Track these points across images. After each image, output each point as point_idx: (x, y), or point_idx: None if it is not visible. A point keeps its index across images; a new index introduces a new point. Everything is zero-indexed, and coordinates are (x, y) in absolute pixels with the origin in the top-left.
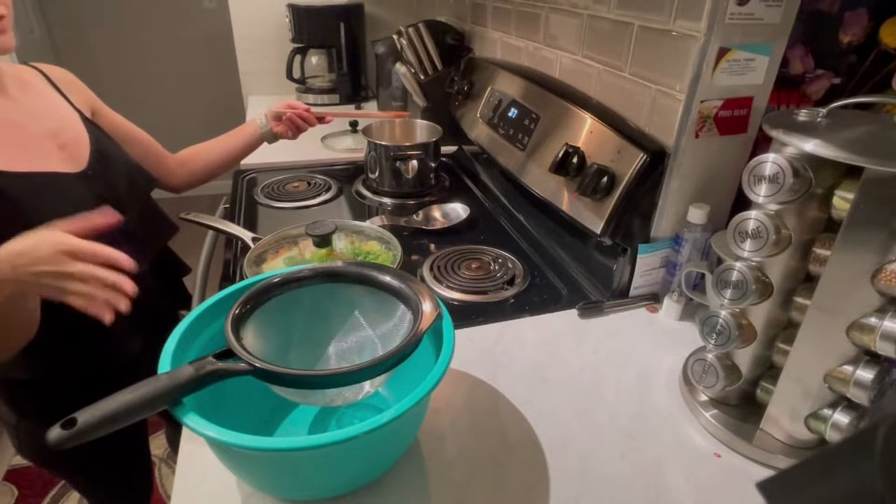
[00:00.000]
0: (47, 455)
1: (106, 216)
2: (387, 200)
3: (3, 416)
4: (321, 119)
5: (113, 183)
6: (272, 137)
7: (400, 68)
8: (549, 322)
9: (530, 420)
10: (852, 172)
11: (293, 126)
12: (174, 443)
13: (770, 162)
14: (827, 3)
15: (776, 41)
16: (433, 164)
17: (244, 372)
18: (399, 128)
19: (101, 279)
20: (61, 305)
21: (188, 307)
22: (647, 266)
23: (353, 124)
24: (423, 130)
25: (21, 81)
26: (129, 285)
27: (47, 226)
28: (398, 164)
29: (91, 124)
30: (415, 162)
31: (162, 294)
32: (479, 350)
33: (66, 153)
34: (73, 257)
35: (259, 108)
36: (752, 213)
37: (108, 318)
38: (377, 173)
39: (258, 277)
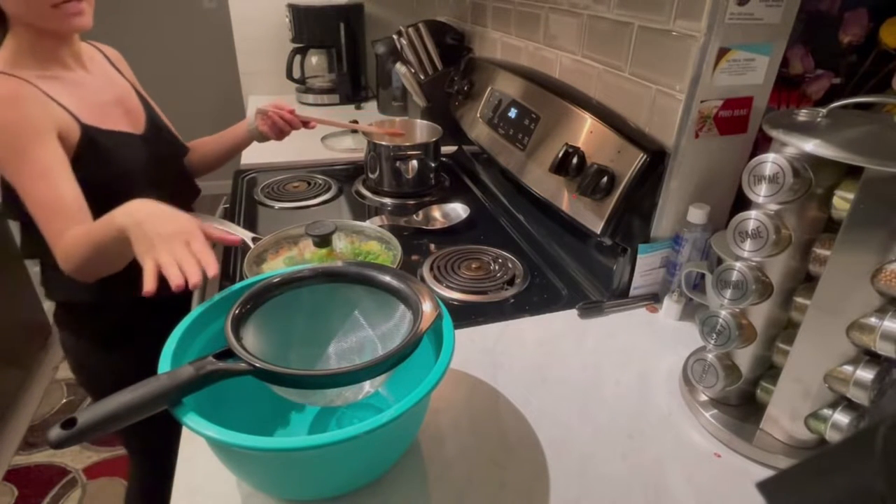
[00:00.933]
0: (97, 380)
1: (233, 239)
2: (387, 200)
3: (64, 340)
4: (305, 124)
5: (162, 147)
6: (260, 137)
7: (400, 68)
8: (549, 322)
9: (530, 420)
10: (852, 172)
11: (275, 127)
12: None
13: (770, 162)
14: (827, 3)
15: (776, 41)
16: (433, 164)
17: (244, 372)
18: (399, 128)
19: (192, 271)
20: None
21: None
22: (647, 266)
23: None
24: (423, 130)
25: (89, 57)
26: (198, 282)
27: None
28: (398, 163)
29: (142, 97)
30: (415, 162)
31: None
32: (479, 350)
33: (130, 118)
34: (187, 245)
35: None
36: (752, 213)
37: (174, 285)
38: (377, 173)
39: (258, 277)
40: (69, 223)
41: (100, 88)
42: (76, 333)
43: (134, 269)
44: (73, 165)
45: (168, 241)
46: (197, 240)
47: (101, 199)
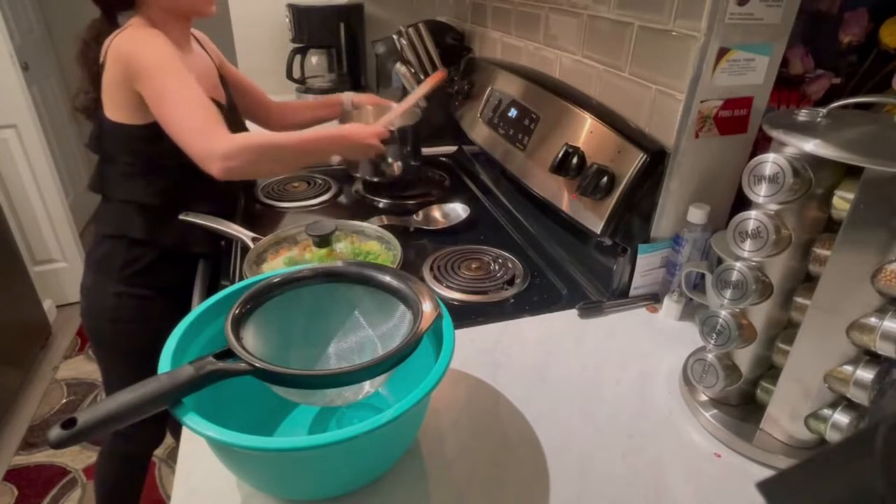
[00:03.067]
0: (110, 331)
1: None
2: (387, 200)
3: (89, 281)
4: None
5: (232, 124)
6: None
7: (400, 68)
8: (549, 322)
9: (530, 420)
10: (852, 172)
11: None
12: (178, 434)
13: (770, 162)
14: (827, 3)
15: (776, 41)
16: (410, 150)
17: (244, 372)
18: (375, 116)
19: (377, 147)
20: (188, 198)
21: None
22: (647, 266)
23: None
24: (401, 116)
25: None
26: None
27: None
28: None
29: (221, 77)
30: (390, 154)
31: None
32: (479, 350)
33: (218, 93)
34: (373, 137)
35: None
36: (752, 213)
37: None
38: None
39: (258, 277)
40: (220, 123)
41: (203, 73)
42: (110, 271)
43: (183, 226)
44: None
45: (374, 148)
46: (382, 135)
47: (186, 156)
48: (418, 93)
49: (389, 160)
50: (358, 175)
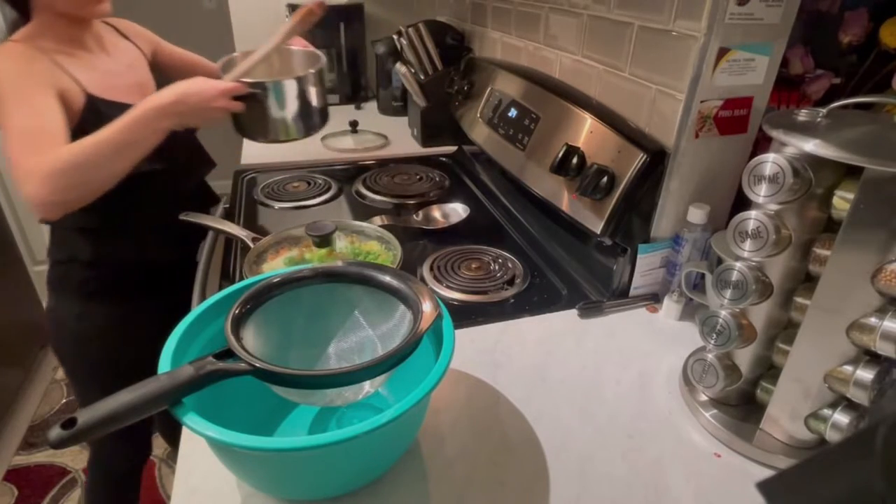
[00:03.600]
0: (74, 352)
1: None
2: (387, 200)
3: (53, 306)
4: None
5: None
6: None
7: (400, 68)
8: (549, 322)
9: (530, 420)
10: (852, 172)
11: None
12: (172, 439)
13: (770, 162)
14: (827, 3)
15: (776, 41)
16: (302, 108)
17: (244, 372)
18: (279, 63)
19: (229, 108)
20: (129, 212)
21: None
22: (647, 266)
23: (353, 124)
24: (301, 60)
25: (112, 43)
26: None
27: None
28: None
29: (153, 70)
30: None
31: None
32: (479, 350)
33: (141, 93)
34: (219, 96)
35: None
36: (752, 213)
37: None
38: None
39: (258, 277)
40: (49, 145)
41: (117, 71)
42: (68, 293)
43: (136, 227)
44: (75, 135)
45: (215, 103)
46: (224, 88)
47: None
48: (283, 31)
49: (262, 122)
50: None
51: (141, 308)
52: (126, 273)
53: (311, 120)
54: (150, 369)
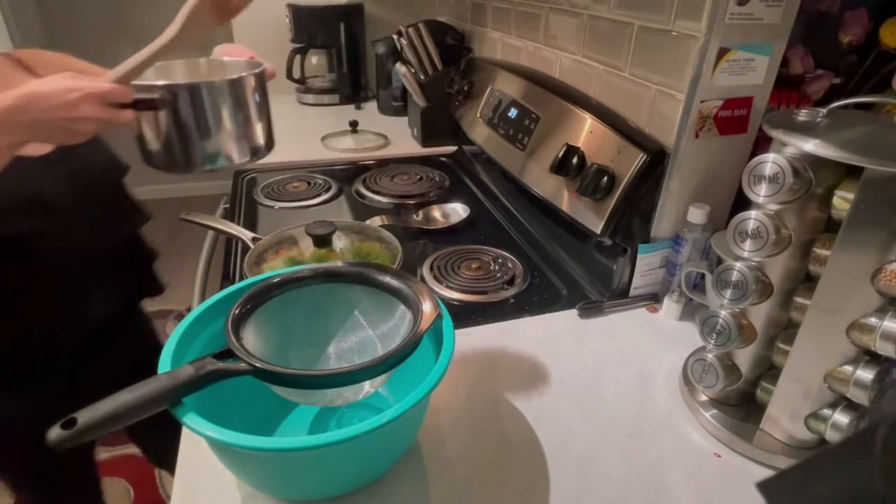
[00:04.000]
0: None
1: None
2: (387, 200)
3: None
4: None
5: (82, 168)
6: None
7: (400, 68)
8: (549, 322)
9: (530, 420)
10: (852, 172)
11: None
12: (159, 460)
13: (770, 162)
14: (827, 3)
15: (776, 41)
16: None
17: (244, 372)
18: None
19: (107, 119)
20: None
21: (156, 292)
22: (647, 266)
23: (353, 124)
24: (240, 70)
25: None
26: (129, 116)
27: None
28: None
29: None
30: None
31: (127, 279)
32: (479, 350)
33: None
34: (85, 100)
35: None
36: (752, 213)
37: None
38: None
39: (258, 277)
40: None
41: None
42: None
43: (18, 307)
44: None
45: (72, 112)
46: (88, 88)
47: None
48: (181, 18)
49: (156, 141)
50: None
51: (53, 387)
52: (21, 354)
53: (247, 141)
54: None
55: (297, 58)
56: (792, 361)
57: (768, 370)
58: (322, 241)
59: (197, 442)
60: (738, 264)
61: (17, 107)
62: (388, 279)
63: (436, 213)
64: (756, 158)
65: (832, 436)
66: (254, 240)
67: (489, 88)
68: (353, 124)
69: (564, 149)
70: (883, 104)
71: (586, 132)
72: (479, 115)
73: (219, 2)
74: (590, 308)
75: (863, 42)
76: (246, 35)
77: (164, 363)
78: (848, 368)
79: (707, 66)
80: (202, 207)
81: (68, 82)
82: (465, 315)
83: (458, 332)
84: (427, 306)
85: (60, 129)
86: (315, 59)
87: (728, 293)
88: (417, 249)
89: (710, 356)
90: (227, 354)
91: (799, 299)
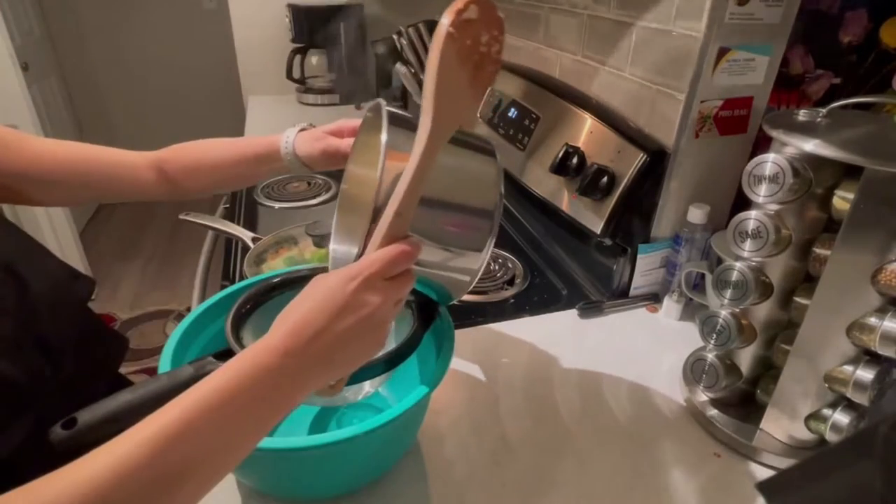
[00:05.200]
0: None
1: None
2: None
3: None
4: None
5: (27, 300)
6: (297, 165)
7: (400, 68)
8: (549, 322)
9: (530, 420)
10: (852, 172)
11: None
12: None
13: (770, 162)
14: (827, 3)
15: (776, 41)
16: None
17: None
18: (386, 178)
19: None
20: None
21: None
22: (647, 266)
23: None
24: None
25: None
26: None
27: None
28: None
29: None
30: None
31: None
32: (479, 350)
33: None
34: (383, 287)
35: (259, 108)
36: (752, 213)
37: None
38: None
39: (258, 277)
40: None
41: None
42: None
43: None
44: None
45: (363, 311)
46: (366, 272)
47: None
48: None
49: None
50: None
51: None
52: None
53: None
54: None
55: (297, 58)
56: (792, 361)
57: (768, 370)
58: (322, 241)
59: None
60: (738, 264)
61: (275, 369)
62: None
63: None
64: (756, 158)
65: (832, 436)
66: (254, 240)
67: (489, 88)
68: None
69: (564, 149)
70: (883, 104)
71: (586, 132)
72: (478, 115)
73: (471, 54)
74: (590, 308)
75: (863, 42)
76: (246, 35)
77: (165, 363)
78: (848, 368)
79: (707, 66)
80: (202, 207)
81: (336, 278)
82: (465, 315)
83: (458, 332)
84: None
85: (370, 348)
86: (315, 59)
87: (728, 293)
88: None
89: (710, 356)
90: (227, 354)
91: (799, 299)
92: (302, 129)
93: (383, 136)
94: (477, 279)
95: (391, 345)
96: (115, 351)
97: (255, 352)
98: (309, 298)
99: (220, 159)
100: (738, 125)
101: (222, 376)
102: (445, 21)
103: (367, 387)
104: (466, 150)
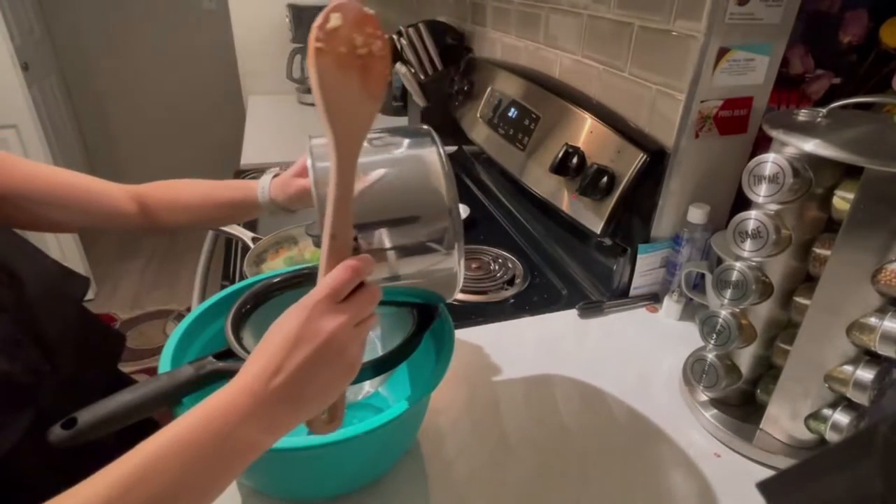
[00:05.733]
0: None
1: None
2: None
3: None
4: None
5: (24, 298)
6: (273, 207)
7: (400, 68)
8: (549, 322)
9: (530, 420)
10: (852, 172)
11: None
12: None
13: (770, 162)
14: (827, 3)
15: (776, 41)
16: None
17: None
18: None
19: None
20: None
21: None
22: (647, 266)
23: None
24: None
25: None
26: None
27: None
28: None
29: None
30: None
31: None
32: (479, 350)
33: None
34: (336, 311)
35: (259, 108)
36: (752, 213)
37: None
38: None
39: (258, 277)
40: None
41: None
42: None
43: None
44: None
45: (328, 346)
46: (322, 301)
47: None
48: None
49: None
50: None
51: None
52: None
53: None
54: None
55: (297, 58)
56: (792, 361)
57: (768, 370)
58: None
59: None
60: (738, 264)
61: (272, 381)
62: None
63: None
64: (756, 158)
65: (832, 436)
66: (254, 240)
67: (489, 88)
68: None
69: (564, 149)
70: (883, 104)
71: (586, 132)
72: (479, 115)
73: (349, 60)
74: (590, 308)
75: (863, 42)
76: (246, 35)
77: (165, 363)
78: (848, 368)
79: (707, 66)
80: None
81: (287, 314)
82: (465, 315)
83: (458, 332)
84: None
85: (342, 382)
86: None
87: (728, 293)
88: None
89: (710, 356)
90: (227, 354)
91: (799, 299)
92: (276, 175)
93: (310, 174)
94: (461, 275)
95: (391, 345)
96: (112, 348)
97: (223, 394)
98: (267, 338)
99: (196, 201)
100: (738, 125)
101: (191, 417)
102: (311, 37)
103: (367, 387)
104: (400, 149)
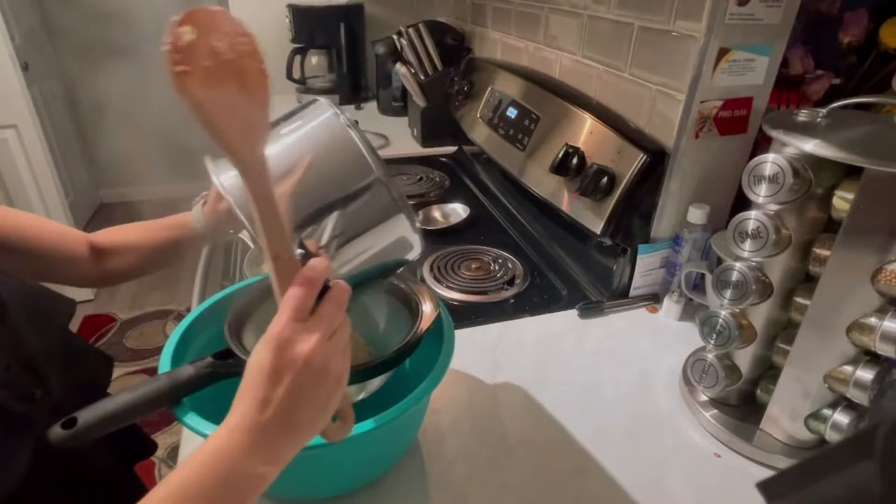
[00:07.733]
0: None
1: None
2: None
3: None
4: None
5: (7, 322)
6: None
7: (400, 68)
8: (549, 322)
9: (530, 420)
10: (852, 172)
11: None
12: None
13: (770, 162)
14: (827, 3)
15: (776, 41)
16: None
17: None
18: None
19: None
20: None
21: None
22: (647, 266)
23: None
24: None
25: None
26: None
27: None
28: None
29: None
30: None
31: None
32: (479, 350)
33: None
34: (305, 331)
35: None
36: (752, 213)
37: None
38: None
39: (258, 277)
40: None
41: None
42: None
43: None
44: None
45: (309, 371)
46: (293, 321)
47: None
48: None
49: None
50: None
51: None
52: None
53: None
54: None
55: (297, 58)
56: (792, 361)
57: (768, 370)
58: None
59: (197, 442)
60: (738, 264)
61: (262, 416)
62: (388, 280)
63: (436, 213)
64: (756, 159)
65: (832, 436)
66: (254, 240)
67: (489, 89)
68: (354, 124)
69: (564, 149)
70: (883, 104)
71: (586, 132)
72: (479, 116)
73: (219, 71)
74: (590, 308)
75: (863, 42)
76: None
77: (165, 363)
78: (848, 368)
79: (707, 66)
80: None
81: (257, 350)
82: (465, 315)
83: (458, 332)
84: (427, 307)
85: (330, 405)
86: (315, 59)
87: (728, 293)
88: None
89: (710, 356)
90: (226, 354)
91: (799, 299)
92: (204, 203)
93: (227, 199)
94: (420, 236)
95: (392, 345)
96: (101, 371)
97: (219, 437)
98: (247, 375)
99: (138, 239)
100: (738, 125)
101: (193, 463)
102: (167, 63)
103: (367, 387)
104: (299, 130)
